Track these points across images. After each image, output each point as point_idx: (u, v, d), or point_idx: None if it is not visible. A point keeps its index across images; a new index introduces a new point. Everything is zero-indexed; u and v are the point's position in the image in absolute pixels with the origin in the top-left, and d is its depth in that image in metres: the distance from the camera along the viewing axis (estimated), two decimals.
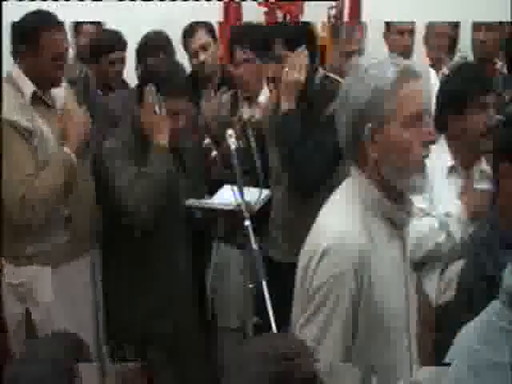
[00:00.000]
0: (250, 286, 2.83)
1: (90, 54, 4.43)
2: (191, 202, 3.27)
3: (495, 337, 1.60)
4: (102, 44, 4.43)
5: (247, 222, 2.84)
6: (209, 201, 3.29)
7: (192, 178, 3.39)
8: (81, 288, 3.27)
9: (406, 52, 4.62)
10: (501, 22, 4.50)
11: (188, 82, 3.34)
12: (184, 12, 5.53)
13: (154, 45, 4.23)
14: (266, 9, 5.66)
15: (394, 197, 1.98)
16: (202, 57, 4.20)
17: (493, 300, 1.74)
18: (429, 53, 5.07)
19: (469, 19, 4.79)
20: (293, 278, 2.03)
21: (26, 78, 3.11)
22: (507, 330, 1.58)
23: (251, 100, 3.79)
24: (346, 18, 5.74)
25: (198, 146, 3.39)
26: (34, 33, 3.07)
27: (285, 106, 3.21)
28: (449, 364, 1.74)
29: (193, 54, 4.25)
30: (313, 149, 3.16)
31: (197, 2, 5.56)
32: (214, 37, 4.31)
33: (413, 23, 4.86)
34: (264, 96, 3.72)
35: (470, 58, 4.72)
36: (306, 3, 5.66)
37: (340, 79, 3.23)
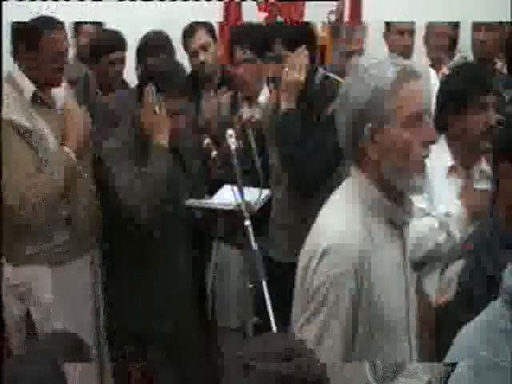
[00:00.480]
0: (250, 286, 2.83)
1: (90, 54, 4.43)
2: (191, 201, 3.27)
3: (495, 337, 1.60)
4: (102, 44, 4.43)
5: (247, 222, 2.85)
6: (209, 201, 3.29)
7: (192, 177, 3.39)
8: (81, 288, 3.26)
9: (406, 52, 4.63)
10: (501, 22, 4.50)
11: (188, 82, 3.34)
12: (184, 12, 5.53)
13: (154, 45, 4.22)
14: (266, 13, 5.65)
15: (394, 197, 1.98)
16: (202, 57, 4.19)
17: (493, 300, 1.74)
18: (429, 53, 5.08)
19: (469, 19, 4.79)
20: (293, 278, 2.02)
21: (26, 79, 3.11)
22: (507, 330, 1.58)
23: (251, 100, 3.78)
24: (346, 19, 5.74)
25: (197, 146, 3.39)
26: (34, 33, 3.07)
27: (285, 105, 3.21)
28: (450, 364, 1.74)
29: (193, 54, 4.24)
30: (313, 149, 3.16)
31: (197, 2, 5.56)
32: (214, 37, 4.31)
33: (413, 23, 4.86)
34: (264, 96, 3.72)
35: (470, 57, 4.72)
36: (307, 5, 5.65)
37: (340, 79, 3.23)
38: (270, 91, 3.53)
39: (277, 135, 3.29)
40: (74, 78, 4.10)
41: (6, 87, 3.09)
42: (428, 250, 2.90)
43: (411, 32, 4.83)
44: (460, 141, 2.99)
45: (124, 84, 4.56)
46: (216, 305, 3.76)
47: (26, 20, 3.12)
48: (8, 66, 3.20)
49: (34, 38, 3.07)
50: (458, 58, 5.04)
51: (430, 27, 5.03)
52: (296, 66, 3.18)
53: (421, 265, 2.88)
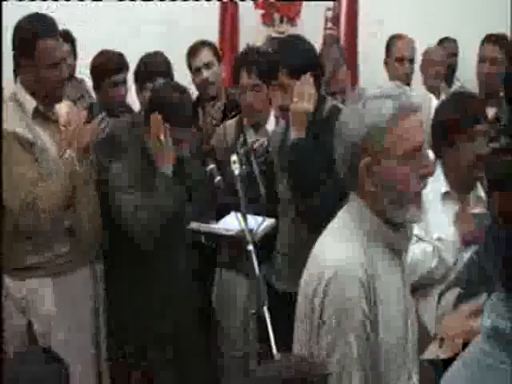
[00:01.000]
0: (253, 311, 2.78)
1: (93, 78, 4.32)
2: (195, 225, 3.30)
3: (483, 375, 1.57)
4: (103, 68, 4.27)
5: (250, 247, 2.82)
6: (212, 225, 3.29)
7: (198, 203, 3.40)
8: (82, 299, 3.27)
9: (406, 80, 4.63)
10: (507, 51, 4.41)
11: (194, 109, 3.33)
12: (184, 12, 5.54)
13: (154, 70, 4.10)
14: (262, 11, 5.61)
15: (393, 222, 1.96)
16: (205, 74, 4.19)
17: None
18: (426, 81, 5.12)
19: (468, 19, 4.79)
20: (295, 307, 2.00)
21: (27, 94, 3.14)
22: (494, 367, 1.55)
23: (257, 126, 3.72)
24: (342, 18, 5.72)
25: (202, 171, 3.38)
26: (30, 42, 3.09)
27: (295, 135, 3.13)
28: None
29: (195, 72, 4.23)
30: (323, 175, 3.09)
31: (197, 2, 5.56)
32: (218, 58, 4.30)
33: (413, 51, 4.87)
34: (272, 125, 3.68)
35: (469, 87, 4.68)
36: (304, 4, 5.61)
37: None
38: (276, 118, 3.51)
39: (289, 164, 3.18)
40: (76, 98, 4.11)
41: (9, 104, 3.12)
42: (421, 274, 2.90)
43: (411, 60, 4.85)
44: (454, 168, 3.00)
45: (128, 108, 4.40)
46: (219, 331, 3.71)
47: (20, 21, 3.13)
48: (8, 67, 3.20)
49: (29, 47, 3.09)
50: (455, 87, 5.09)
51: (427, 55, 5.09)
52: (305, 96, 3.14)
53: (416, 289, 2.86)
